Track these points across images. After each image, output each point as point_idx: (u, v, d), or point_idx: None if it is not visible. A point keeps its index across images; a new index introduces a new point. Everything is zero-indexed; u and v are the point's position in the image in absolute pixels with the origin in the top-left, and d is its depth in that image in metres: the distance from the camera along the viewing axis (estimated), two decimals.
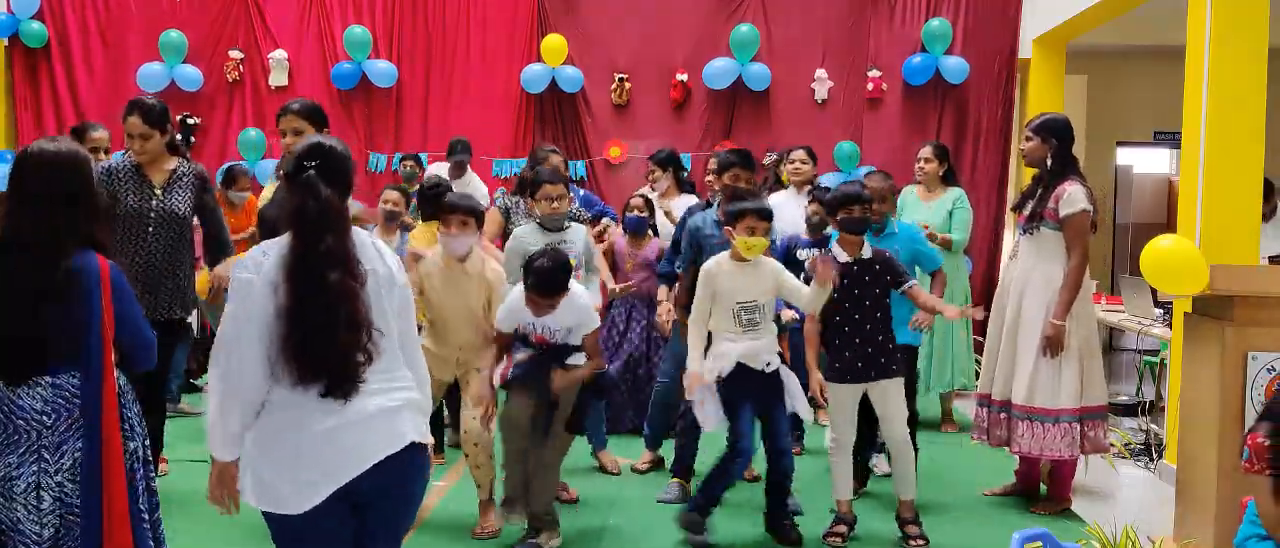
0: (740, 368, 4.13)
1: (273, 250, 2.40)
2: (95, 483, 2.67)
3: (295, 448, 2.37)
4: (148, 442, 2.95)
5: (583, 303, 4.12)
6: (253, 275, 2.38)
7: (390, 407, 2.45)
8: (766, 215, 4.13)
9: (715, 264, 4.20)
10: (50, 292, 2.65)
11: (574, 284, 4.11)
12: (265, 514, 2.46)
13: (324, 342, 2.33)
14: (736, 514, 4.59)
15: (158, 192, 4.50)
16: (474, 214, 4.24)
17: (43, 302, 2.65)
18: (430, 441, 2.58)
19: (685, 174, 6.82)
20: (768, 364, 4.17)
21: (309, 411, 2.37)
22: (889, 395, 4.25)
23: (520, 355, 4.20)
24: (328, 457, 2.38)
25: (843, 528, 4.31)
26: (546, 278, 3.93)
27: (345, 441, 2.39)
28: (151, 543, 2.85)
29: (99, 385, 2.69)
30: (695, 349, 4.20)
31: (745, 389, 4.14)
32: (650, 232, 5.97)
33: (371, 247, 2.52)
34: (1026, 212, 4.72)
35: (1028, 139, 4.77)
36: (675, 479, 4.94)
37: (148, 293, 4.40)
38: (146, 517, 2.85)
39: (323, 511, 2.38)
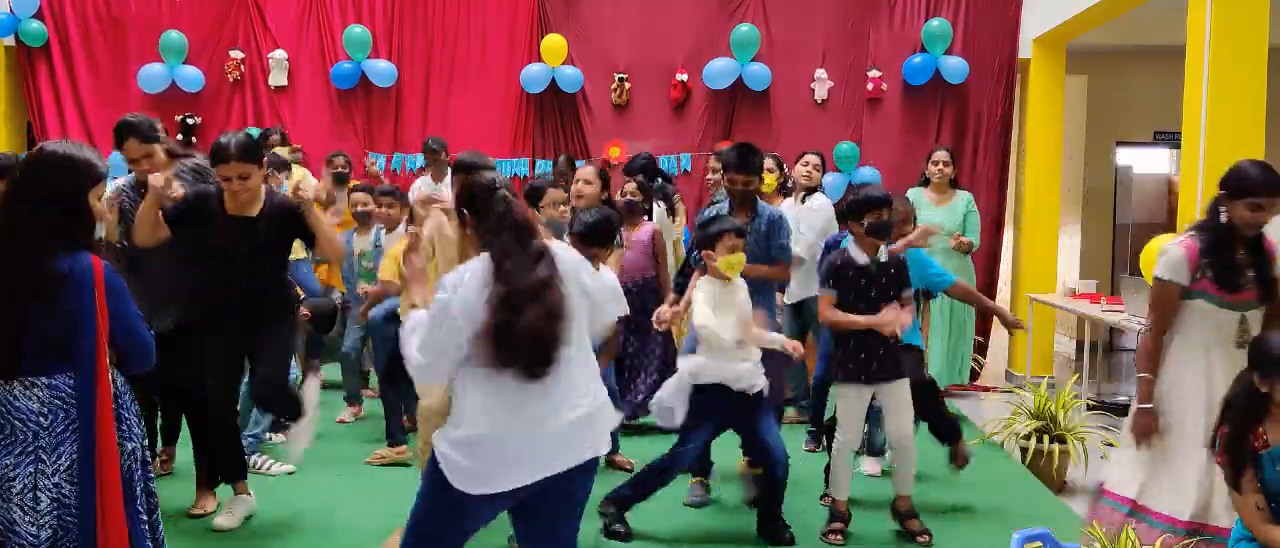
0: (718, 387, 4.16)
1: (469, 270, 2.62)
2: (90, 483, 2.67)
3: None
4: (146, 443, 2.95)
5: (615, 286, 4.08)
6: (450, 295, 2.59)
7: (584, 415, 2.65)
8: (742, 233, 4.21)
9: (706, 286, 4.20)
10: (39, 291, 2.65)
11: (605, 268, 4.10)
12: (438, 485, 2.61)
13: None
14: (734, 514, 4.58)
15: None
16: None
17: (32, 301, 2.65)
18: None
19: (660, 181, 6.75)
20: (751, 388, 4.20)
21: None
22: (897, 395, 4.30)
23: None
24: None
25: (840, 526, 4.36)
26: (595, 228, 4.08)
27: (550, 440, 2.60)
28: (149, 544, 2.84)
29: (93, 386, 2.69)
30: (706, 308, 4.14)
31: (715, 408, 4.19)
32: (645, 216, 5.96)
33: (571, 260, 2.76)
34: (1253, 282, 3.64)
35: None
36: (695, 479, 4.89)
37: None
38: (145, 518, 2.84)
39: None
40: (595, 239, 4.10)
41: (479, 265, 2.61)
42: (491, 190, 2.66)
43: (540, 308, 2.52)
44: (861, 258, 4.25)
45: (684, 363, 4.24)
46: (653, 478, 4.34)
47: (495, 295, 2.52)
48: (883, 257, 4.27)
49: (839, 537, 4.33)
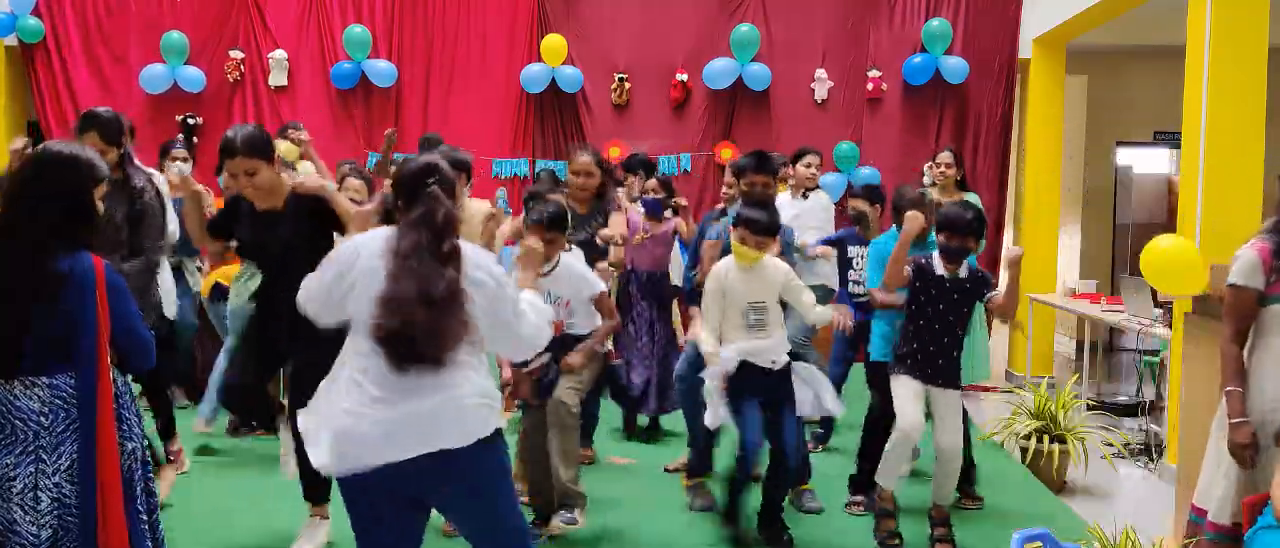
0: (745, 365, 4.15)
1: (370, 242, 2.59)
2: (91, 483, 2.67)
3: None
4: (147, 443, 2.95)
5: (579, 268, 4.18)
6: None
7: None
8: (765, 230, 4.14)
9: (723, 266, 4.25)
10: (39, 291, 2.65)
11: (566, 256, 4.16)
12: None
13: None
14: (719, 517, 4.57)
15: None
16: (461, 166, 4.36)
17: (32, 301, 2.65)
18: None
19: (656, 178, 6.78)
20: (773, 362, 4.20)
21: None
22: (946, 403, 4.26)
23: (536, 362, 4.10)
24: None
25: (891, 524, 4.33)
26: (554, 219, 4.03)
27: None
28: (149, 544, 2.85)
29: (94, 386, 2.69)
30: (708, 334, 4.21)
31: (749, 386, 4.16)
32: (671, 212, 5.99)
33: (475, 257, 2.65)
34: None
35: None
36: (696, 481, 4.87)
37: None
38: (145, 518, 2.84)
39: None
40: (554, 226, 4.04)
41: (386, 234, 2.58)
42: (421, 181, 2.59)
43: (434, 311, 2.45)
44: (941, 269, 4.23)
45: (709, 372, 4.20)
46: (775, 483, 4.28)
47: (390, 292, 2.47)
48: (963, 272, 4.26)
49: (895, 540, 4.30)
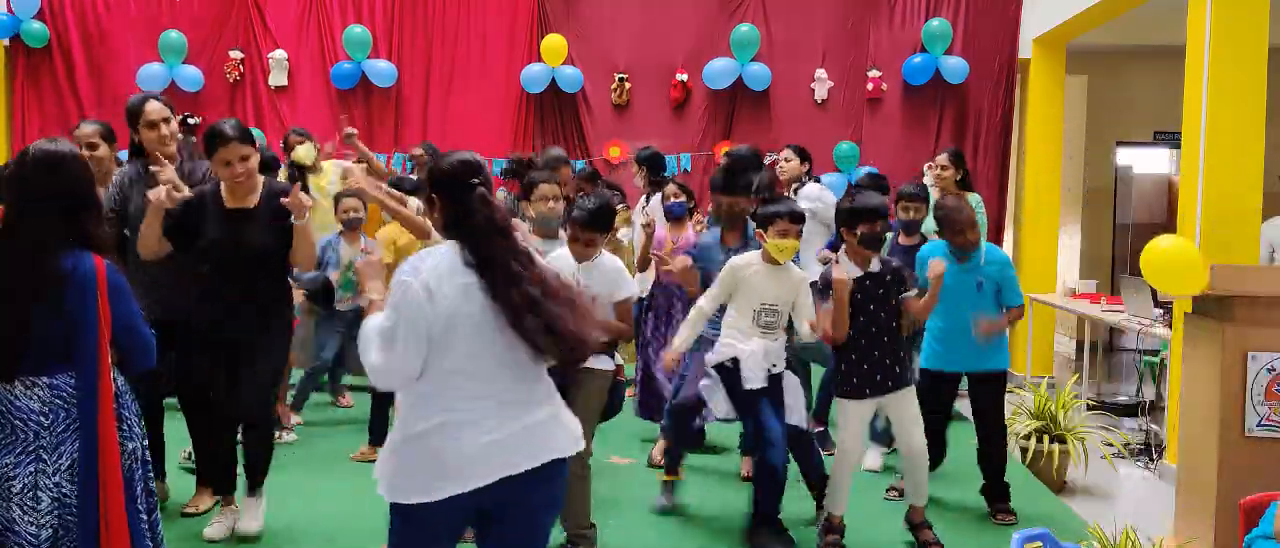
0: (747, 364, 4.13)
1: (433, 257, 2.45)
2: (92, 483, 2.67)
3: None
4: (147, 443, 2.95)
5: (618, 266, 4.02)
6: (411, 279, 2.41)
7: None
8: (798, 218, 4.14)
9: (744, 261, 4.18)
10: (40, 291, 2.65)
11: (607, 253, 4.05)
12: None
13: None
14: (722, 517, 4.58)
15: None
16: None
17: (32, 301, 2.65)
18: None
19: (663, 174, 6.81)
20: (773, 367, 4.18)
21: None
22: (904, 405, 4.19)
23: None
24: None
25: (835, 538, 4.24)
26: (594, 215, 3.91)
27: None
28: (149, 543, 2.85)
29: (95, 385, 2.69)
30: (688, 331, 4.26)
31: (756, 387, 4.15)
32: (691, 216, 5.96)
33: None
34: None
35: None
36: (666, 478, 4.81)
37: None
38: (145, 517, 2.84)
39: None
40: (595, 225, 3.93)
41: (446, 252, 2.45)
42: (466, 182, 2.47)
43: (553, 306, 2.42)
44: (855, 271, 4.11)
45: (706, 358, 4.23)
46: (766, 484, 4.19)
47: (514, 298, 2.38)
48: (875, 266, 4.16)
49: None
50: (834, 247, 5.52)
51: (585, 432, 3.96)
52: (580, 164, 8.57)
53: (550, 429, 2.50)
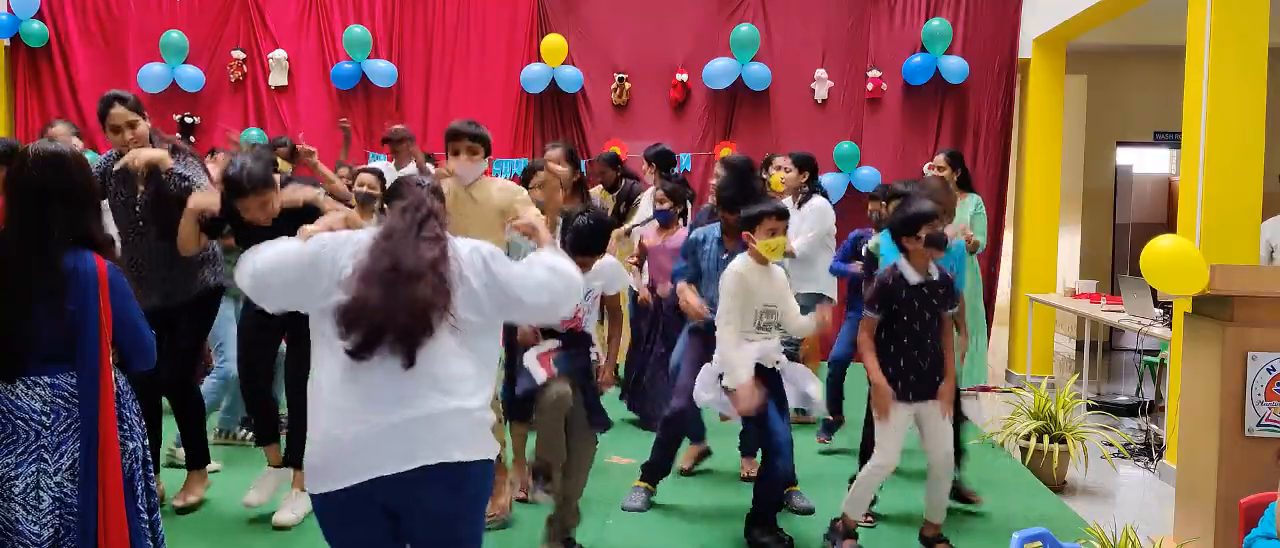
0: (756, 368, 4.13)
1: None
2: (92, 483, 2.67)
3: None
4: (147, 442, 2.95)
5: (614, 262, 4.12)
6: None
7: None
8: (784, 215, 4.16)
9: (745, 266, 4.15)
10: (42, 290, 2.65)
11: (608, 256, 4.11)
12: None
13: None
14: (721, 517, 4.58)
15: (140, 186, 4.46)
16: (481, 141, 4.33)
17: (34, 301, 2.65)
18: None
19: (674, 171, 6.84)
20: (775, 363, 4.20)
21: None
22: (936, 415, 4.09)
23: (547, 346, 4.06)
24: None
25: (851, 543, 4.19)
26: (585, 235, 3.90)
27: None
28: (150, 543, 2.85)
29: (96, 385, 2.69)
30: (733, 351, 4.08)
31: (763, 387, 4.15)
32: (679, 221, 5.97)
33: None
34: None
35: None
36: (642, 484, 4.80)
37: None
38: (145, 517, 2.84)
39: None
40: (583, 249, 3.89)
41: (365, 234, 2.42)
42: (409, 182, 2.51)
43: (411, 290, 2.26)
44: (915, 277, 4.01)
45: (707, 365, 4.22)
46: (769, 488, 4.20)
47: (365, 266, 2.29)
48: (934, 274, 4.07)
49: None
50: (847, 257, 5.50)
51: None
52: (580, 165, 8.58)
53: (433, 428, 2.29)
